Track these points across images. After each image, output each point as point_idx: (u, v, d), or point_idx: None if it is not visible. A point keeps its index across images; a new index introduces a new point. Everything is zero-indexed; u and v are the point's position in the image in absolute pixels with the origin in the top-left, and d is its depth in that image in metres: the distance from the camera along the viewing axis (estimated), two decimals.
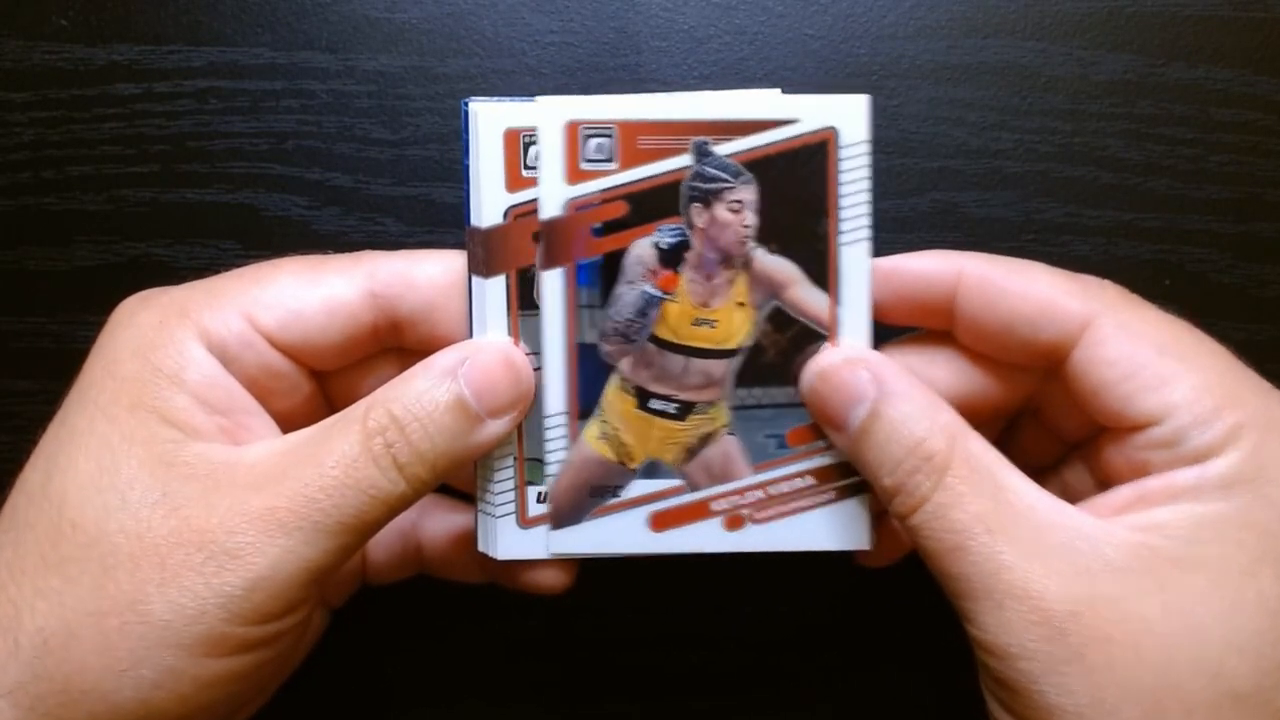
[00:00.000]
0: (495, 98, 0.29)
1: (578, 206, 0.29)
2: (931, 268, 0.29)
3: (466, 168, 0.29)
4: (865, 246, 0.29)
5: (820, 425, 0.29)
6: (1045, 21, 0.36)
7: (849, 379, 0.28)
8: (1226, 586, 0.25)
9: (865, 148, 0.29)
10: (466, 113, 0.29)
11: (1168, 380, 0.26)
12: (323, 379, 0.31)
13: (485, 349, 0.28)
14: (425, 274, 0.29)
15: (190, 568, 0.25)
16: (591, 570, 0.31)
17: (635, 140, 0.29)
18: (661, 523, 0.30)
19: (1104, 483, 0.29)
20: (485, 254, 0.29)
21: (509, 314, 0.29)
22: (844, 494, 0.30)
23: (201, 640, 0.25)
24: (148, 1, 0.36)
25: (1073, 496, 0.28)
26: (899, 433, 0.27)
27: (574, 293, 0.29)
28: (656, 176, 0.29)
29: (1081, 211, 0.36)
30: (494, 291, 0.29)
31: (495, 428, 0.28)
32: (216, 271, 0.36)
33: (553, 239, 0.29)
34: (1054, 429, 0.31)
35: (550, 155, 0.29)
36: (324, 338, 0.29)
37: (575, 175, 0.29)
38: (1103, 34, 0.36)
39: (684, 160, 0.29)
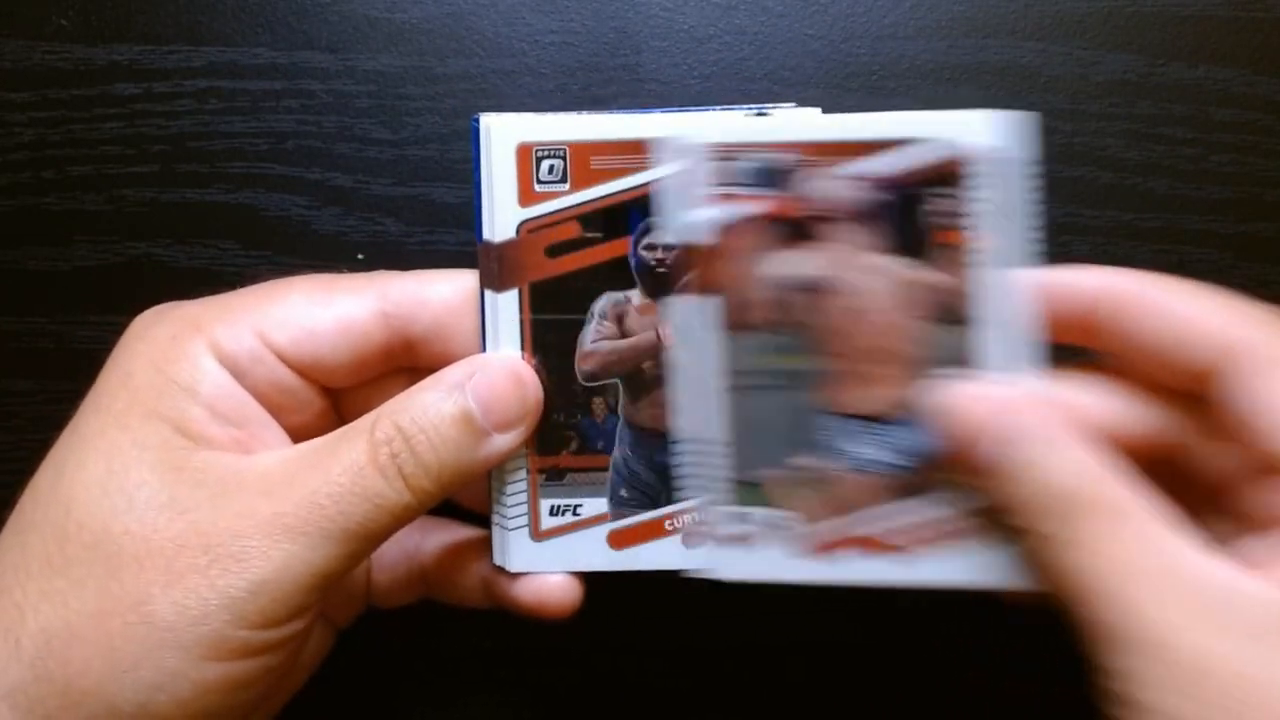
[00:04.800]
0: (501, 113, 0.29)
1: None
2: (1078, 282, 0.28)
3: (478, 183, 0.29)
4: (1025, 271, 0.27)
5: (957, 453, 0.27)
6: (1045, 21, 0.36)
7: (1008, 413, 0.26)
8: None
9: (1022, 164, 0.27)
10: (476, 128, 0.29)
11: None
12: (336, 397, 0.31)
13: (493, 363, 0.28)
14: (437, 293, 0.29)
15: (195, 570, 0.25)
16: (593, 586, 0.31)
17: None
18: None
19: (1237, 531, 0.27)
20: (498, 268, 0.29)
21: (521, 328, 0.29)
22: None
23: (203, 642, 0.25)
24: (148, 1, 0.36)
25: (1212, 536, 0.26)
26: (1056, 475, 0.25)
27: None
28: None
29: (1081, 211, 0.36)
30: (506, 306, 0.29)
31: (502, 442, 0.28)
32: (216, 272, 0.36)
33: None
34: (1193, 472, 0.29)
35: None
36: (335, 356, 0.29)
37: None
38: (1103, 34, 0.36)
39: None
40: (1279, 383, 0.25)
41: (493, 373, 0.28)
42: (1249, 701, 0.23)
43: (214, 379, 0.28)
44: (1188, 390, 0.27)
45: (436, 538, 0.33)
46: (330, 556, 0.26)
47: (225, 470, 0.27)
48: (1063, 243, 0.36)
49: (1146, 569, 0.24)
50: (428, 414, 0.27)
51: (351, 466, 0.26)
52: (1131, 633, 0.24)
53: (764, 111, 0.29)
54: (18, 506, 0.27)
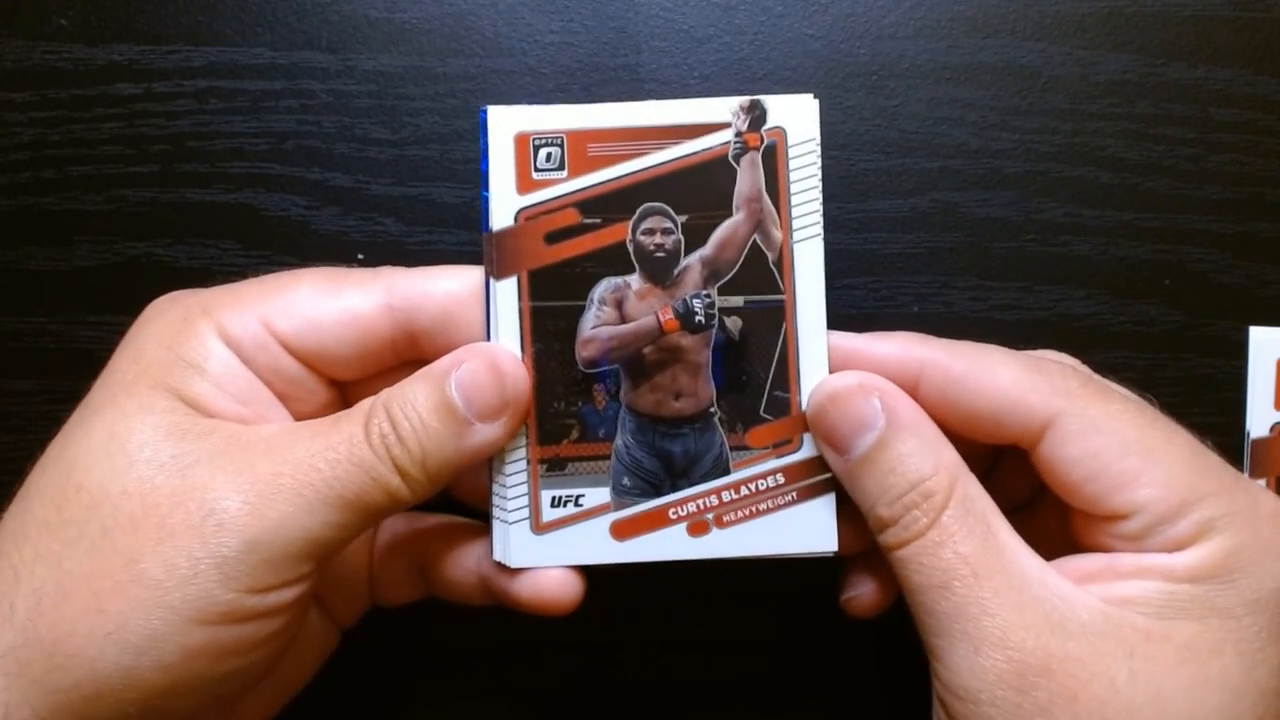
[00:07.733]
0: (510, 105, 0.29)
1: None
2: (891, 358, 0.29)
3: (485, 173, 0.29)
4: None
5: (820, 444, 0.29)
6: (1045, 21, 0.36)
7: (860, 404, 0.28)
8: (1192, 662, 0.25)
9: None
10: (484, 119, 0.29)
11: (1133, 479, 0.27)
12: (343, 389, 0.31)
13: (477, 353, 0.28)
14: (441, 287, 0.29)
15: (189, 526, 0.25)
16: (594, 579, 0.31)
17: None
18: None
19: (1073, 533, 0.29)
20: (497, 256, 0.29)
21: (521, 316, 0.29)
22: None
23: (191, 602, 0.25)
24: (148, 1, 0.36)
25: (1045, 537, 0.28)
26: (903, 466, 0.27)
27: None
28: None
29: (1081, 211, 0.36)
30: (505, 293, 0.29)
31: (486, 432, 0.28)
32: (216, 272, 0.36)
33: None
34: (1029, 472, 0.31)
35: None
36: (339, 347, 0.29)
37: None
38: (1103, 34, 0.36)
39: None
40: (1087, 447, 0.27)
41: (475, 363, 0.28)
42: (1082, 700, 0.25)
43: (221, 359, 0.28)
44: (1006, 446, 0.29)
45: (435, 534, 0.33)
46: (324, 523, 0.26)
47: (228, 433, 0.27)
48: (1062, 242, 0.36)
49: (990, 567, 0.26)
50: (414, 403, 0.27)
51: (351, 438, 0.27)
52: (971, 626, 0.26)
53: (757, 99, 0.29)
54: (27, 479, 0.27)
